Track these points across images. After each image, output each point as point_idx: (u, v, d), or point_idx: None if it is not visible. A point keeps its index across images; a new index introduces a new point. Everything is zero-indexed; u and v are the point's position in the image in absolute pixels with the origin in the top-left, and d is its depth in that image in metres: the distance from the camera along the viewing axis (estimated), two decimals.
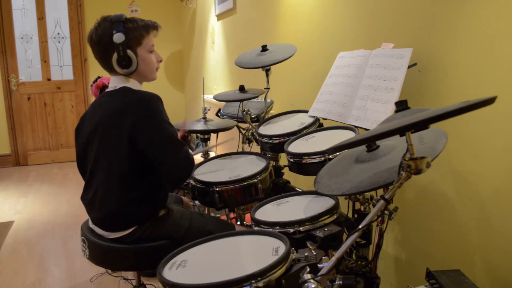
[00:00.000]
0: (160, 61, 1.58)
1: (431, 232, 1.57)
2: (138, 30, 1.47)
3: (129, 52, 1.44)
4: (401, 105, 1.14)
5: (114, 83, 1.52)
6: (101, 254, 1.50)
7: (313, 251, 1.16)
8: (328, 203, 1.33)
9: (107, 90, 1.54)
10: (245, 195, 1.60)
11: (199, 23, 4.83)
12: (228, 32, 3.86)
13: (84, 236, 1.54)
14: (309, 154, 1.48)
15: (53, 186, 4.39)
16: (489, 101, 0.76)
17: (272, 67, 2.07)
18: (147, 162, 1.42)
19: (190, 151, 1.50)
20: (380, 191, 1.16)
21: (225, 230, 1.60)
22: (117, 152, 1.42)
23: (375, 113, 1.49)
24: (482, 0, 1.29)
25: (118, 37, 1.41)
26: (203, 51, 4.73)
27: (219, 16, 4.04)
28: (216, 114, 2.56)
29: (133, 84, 1.52)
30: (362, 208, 1.40)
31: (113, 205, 1.43)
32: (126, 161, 1.41)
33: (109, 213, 1.44)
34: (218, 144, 1.92)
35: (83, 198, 1.54)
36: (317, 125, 1.80)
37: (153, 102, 1.42)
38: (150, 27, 1.50)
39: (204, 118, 2.23)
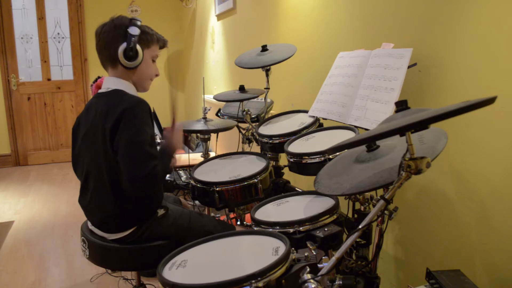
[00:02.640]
0: (157, 75, 1.58)
1: (431, 232, 1.57)
2: (151, 35, 1.51)
3: (138, 46, 1.45)
4: (401, 105, 1.13)
5: (108, 84, 1.50)
6: (101, 254, 1.50)
7: (313, 251, 1.15)
8: (328, 203, 1.32)
9: (99, 90, 1.52)
10: (245, 195, 1.60)
11: (199, 23, 4.83)
12: (228, 32, 3.86)
13: (84, 236, 1.54)
14: (309, 154, 1.48)
15: (53, 186, 4.39)
16: (489, 101, 0.76)
17: (272, 67, 2.06)
18: None
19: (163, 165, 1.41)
20: (380, 191, 1.16)
21: (225, 230, 1.60)
22: (104, 157, 1.40)
23: (375, 113, 1.49)
24: (482, 0, 1.29)
25: (134, 30, 1.44)
26: (203, 51, 4.73)
27: (219, 16, 4.03)
28: (216, 114, 2.56)
29: (127, 87, 1.49)
30: (362, 208, 1.40)
31: (108, 210, 1.42)
32: (114, 164, 1.38)
33: (106, 218, 1.44)
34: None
35: (80, 201, 1.54)
36: (317, 125, 1.80)
37: (136, 107, 1.38)
38: (160, 40, 1.56)
39: (204, 118, 2.23)
